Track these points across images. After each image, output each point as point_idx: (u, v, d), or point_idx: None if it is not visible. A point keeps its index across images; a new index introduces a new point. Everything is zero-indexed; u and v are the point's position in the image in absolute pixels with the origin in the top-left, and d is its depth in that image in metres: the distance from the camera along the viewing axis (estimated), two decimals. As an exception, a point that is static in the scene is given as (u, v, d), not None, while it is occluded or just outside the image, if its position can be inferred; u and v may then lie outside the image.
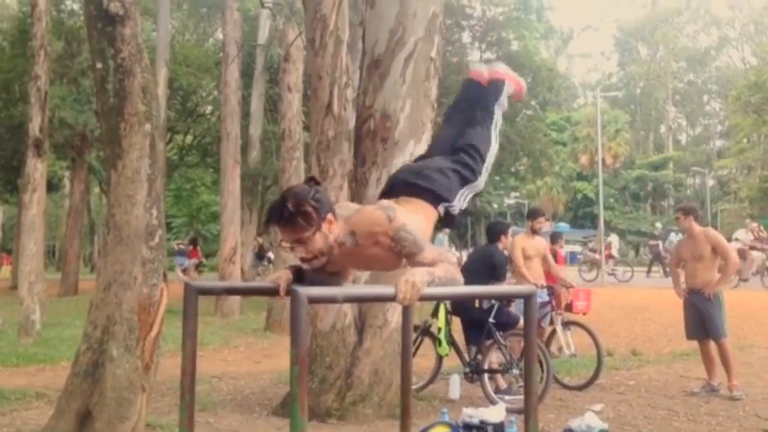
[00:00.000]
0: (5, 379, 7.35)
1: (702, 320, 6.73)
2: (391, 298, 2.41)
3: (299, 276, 2.71)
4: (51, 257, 44.02)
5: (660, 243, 23.53)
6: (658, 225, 25.90)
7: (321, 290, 2.27)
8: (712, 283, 6.68)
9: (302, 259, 2.53)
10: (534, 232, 7.82)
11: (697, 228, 6.87)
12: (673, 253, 7.60)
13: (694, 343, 9.95)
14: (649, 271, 23.72)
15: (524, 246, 7.69)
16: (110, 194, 4.90)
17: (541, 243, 7.93)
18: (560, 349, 7.90)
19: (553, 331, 7.50)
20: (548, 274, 9.31)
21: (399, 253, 2.50)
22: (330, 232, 2.50)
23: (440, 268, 2.52)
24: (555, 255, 9.96)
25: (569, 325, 7.49)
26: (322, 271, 2.62)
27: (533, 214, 8.11)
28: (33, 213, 11.04)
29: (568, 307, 7.61)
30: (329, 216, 2.50)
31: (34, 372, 8.01)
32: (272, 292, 2.62)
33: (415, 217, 2.60)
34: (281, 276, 2.68)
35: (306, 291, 2.17)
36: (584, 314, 7.82)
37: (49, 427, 4.67)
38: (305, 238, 2.46)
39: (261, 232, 20.37)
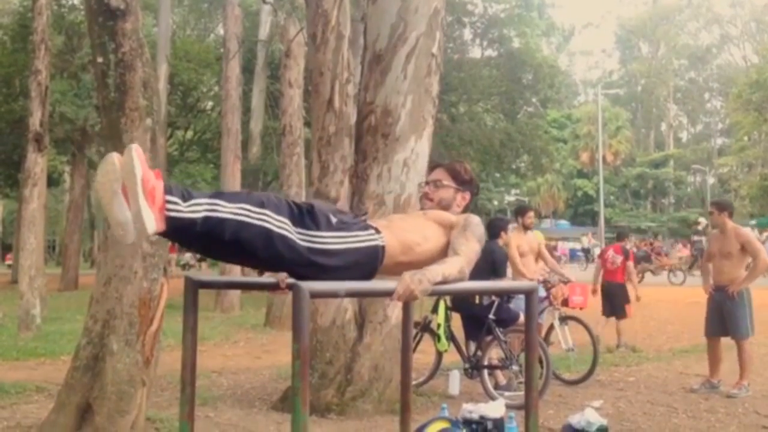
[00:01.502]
0: (5, 372, 7.36)
1: (723, 318, 6.66)
2: (390, 292, 2.40)
3: None
4: (51, 252, 44.06)
5: (703, 239, 23.32)
6: (702, 220, 25.34)
7: (323, 284, 2.27)
8: (737, 281, 6.59)
9: (423, 195, 3.00)
10: (525, 227, 7.87)
11: (729, 224, 6.73)
12: (705, 248, 7.56)
13: (694, 340, 10.00)
14: (691, 268, 23.73)
15: (518, 243, 7.72)
16: (111, 189, 4.88)
17: (533, 239, 7.96)
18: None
19: (551, 326, 7.50)
20: (614, 272, 9.66)
21: (463, 227, 2.72)
22: (457, 201, 2.98)
23: (456, 268, 2.55)
24: (628, 253, 10.10)
25: (566, 320, 7.50)
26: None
27: (522, 211, 8.16)
28: (33, 207, 11.05)
29: (565, 303, 7.62)
30: (469, 196, 3.02)
31: (35, 366, 8.02)
32: (273, 286, 2.63)
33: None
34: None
35: (308, 285, 2.17)
36: (581, 309, 7.83)
37: (49, 420, 4.68)
38: (444, 184, 2.97)
39: None
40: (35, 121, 11.03)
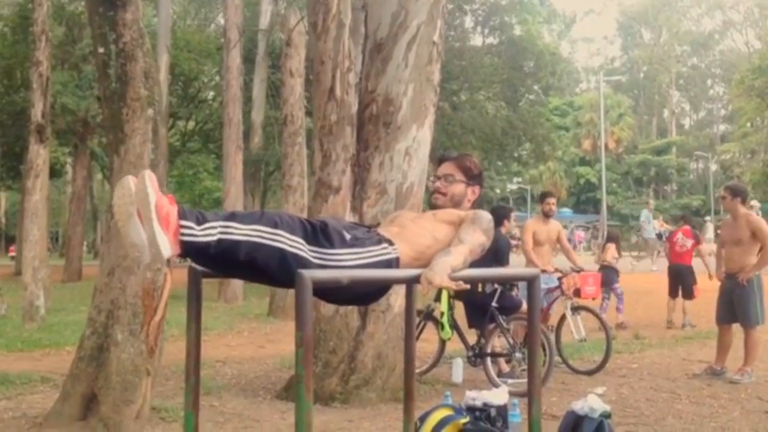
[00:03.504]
0: (10, 363, 7.39)
1: (733, 305, 6.60)
2: (394, 281, 2.42)
3: None
4: (54, 243, 44.13)
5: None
6: (755, 203, 24.62)
7: (325, 273, 2.28)
8: (747, 269, 6.51)
9: (434, 190, 3.00)
10: (545, 214, 7.79)
11: (741, 210, 6.63)
12: (720, 235, 7.50)
13: (697, 327, 10.03)
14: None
15: (535, 230, 7.66)
16: (113, 179, 4.91)
17: (553, 228, 7.85)
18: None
19: (563, 317, 7.46)
20: (682, 255, 10.27)
21: (471, 219, 2.71)
22: (468, 195, 3.00)
23: (461, 259, 2.55)
24: (699, 237, 10.61)
25: (578, 310, 7.45)
26: None
27: (541, 196, 8.15)
28: (36, 199, 11.07)
29: (577, 292, 7.57)
30: (479, 190, 3.05)
31: (39, 357, 8.05)
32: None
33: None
34: None
35: (310, 273, 2.18)
36: (593, 299, 7.78)
37: (54, 410, 4.71)
38: (454, 179, 2.98)
39: None
40: (37, 112, 11.03)
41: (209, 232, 2.19)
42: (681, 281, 10.32)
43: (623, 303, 10.61)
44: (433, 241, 2.64)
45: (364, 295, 2.65)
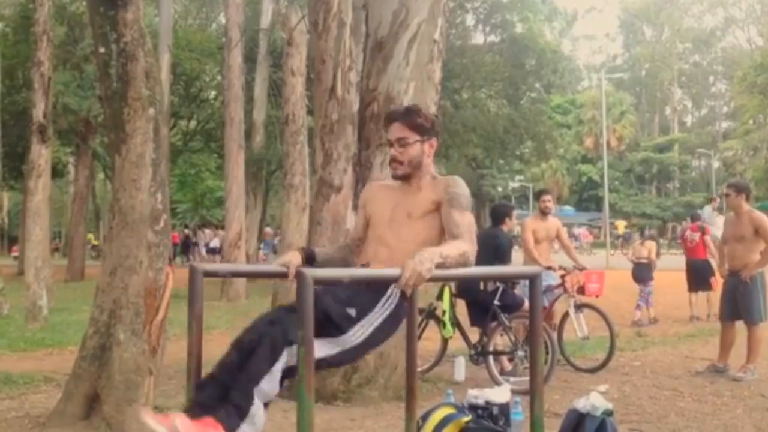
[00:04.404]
0: (13, 363, 7.40)
1: (736, 302, 6.59)
2: (392, 281, 2.42)
3: (308, 259, 2.75)
4: (57, 243, 44.14)
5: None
6: None
7: (326, 271, 2.29)
8: (750, 266, 6.51)
9: (392, 159, 2.82)
10: (542, 212, 7.78)
11: (745, 207, 6.63)
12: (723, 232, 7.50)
13: (699, 325, 10.02)
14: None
15: (535, 228, 7.64)
16: (115, 179, 4.91)
17: (552, 225, 7.83)
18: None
19: (566, 314, 7.44)
20: (694, 249, 10.58)
21: (448, 202, 2.68)
22: (426, 153, 2.82)
23: (456, 249, 2.55)
24: (704, 229, 10.83)
25: (582, 308, 7.43)
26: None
27: (537, 194, 8.16)
28: (38, 199, 11.08)
29: (581, 290, 7.54)
30: (435, 140, 2.86)
31: (42, 356, 8.06)
32: (281, 275, 2.65)
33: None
34: (290, 260, 2.71)
35: (312, 272, 2.18)
36: (597, 297, 7.78)
37: (57, 410, 4.71)
38: (408, 140, 2.79)
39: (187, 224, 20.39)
40: (38, 112, 11.04)
41: (251, 420, 2.38)
42: (696, 275, 10.57)
43: (644, 302, 10.83)
44: (420, 244, 2.63)
45: (380, 342, 2.68)
